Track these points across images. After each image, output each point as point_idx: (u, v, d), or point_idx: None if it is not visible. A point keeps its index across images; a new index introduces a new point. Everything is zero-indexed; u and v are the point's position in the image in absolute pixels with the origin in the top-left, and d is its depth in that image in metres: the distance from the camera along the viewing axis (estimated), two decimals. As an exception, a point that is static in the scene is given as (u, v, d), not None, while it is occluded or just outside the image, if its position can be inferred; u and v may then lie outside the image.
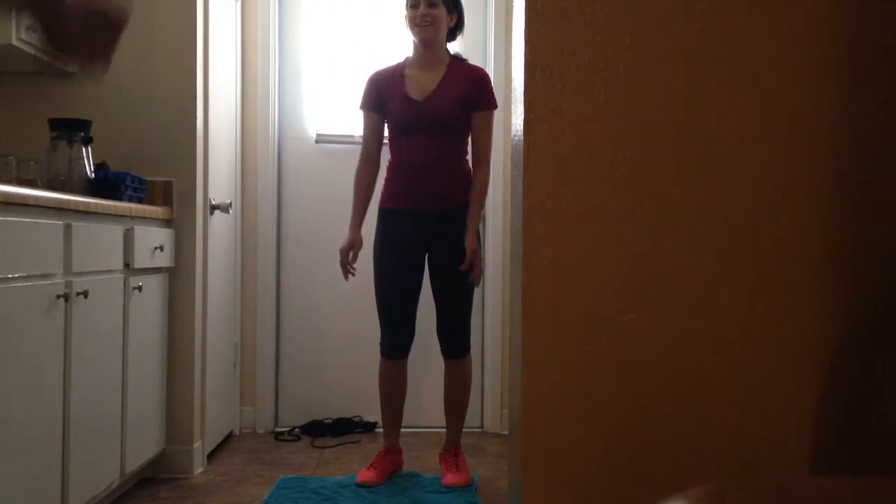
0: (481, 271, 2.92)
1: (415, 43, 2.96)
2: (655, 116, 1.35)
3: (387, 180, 2.99)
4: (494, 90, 3.66)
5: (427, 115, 2.88)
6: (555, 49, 1.34)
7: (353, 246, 2.96)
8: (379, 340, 3.04)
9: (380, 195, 3.02)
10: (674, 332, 1.35)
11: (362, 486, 2.84)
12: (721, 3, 1.35)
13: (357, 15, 3.85)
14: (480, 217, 2.94)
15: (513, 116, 1.47)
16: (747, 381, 1.35)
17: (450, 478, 2.87)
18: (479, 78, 2.95)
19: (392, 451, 3.03)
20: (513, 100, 1.47)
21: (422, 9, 2.88)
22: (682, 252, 1.35)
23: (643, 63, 1.34)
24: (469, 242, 2.87)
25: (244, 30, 3.70)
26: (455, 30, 3.03)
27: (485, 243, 3.81)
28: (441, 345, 3.02)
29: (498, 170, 3.77)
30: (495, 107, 2.98)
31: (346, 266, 2.96)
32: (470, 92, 2.91)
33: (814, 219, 1.35)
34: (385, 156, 3.04)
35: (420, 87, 2.92)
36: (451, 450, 3.02)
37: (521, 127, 1.36)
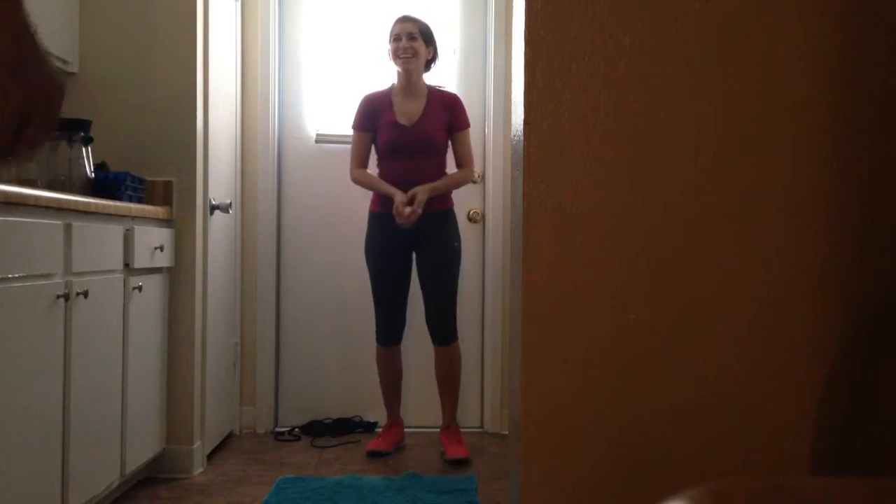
0: (404, 217, 3.15)
1: (398, 72, 3.32)
2: (656, 116, 1.35)
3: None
4: (494, 91, 3.95)
5: (416, 138, 3.26)
6: (555, 49, 1.34)
7: (404, 199, 3.18)
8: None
9: (370, 201, 3.36)
10: (674, 332, 1.35)
11: (372, 453, 3.27)
12: (721, 2, 1.35)
13: (357, 15, 3.85)
14: (440, 190, 3.25)
15: (513, 116, 1.47)
16: (747, 382, 1.35)
17: (454, 450, 3.22)
18: (454, 105, 3.35)
19: (395, 424, 3.44)
20: (513, 100, 1.47)
21: (404, 42, 3.27)
22: (682, 252, 1.35)
23: (643, 63, 1.34)
24: (422, 193, 3.16)
25: (244, 30, 3.70)
26: (430, 62, 3.40)
27: (485, 243, 3.83)
28: (430, 332, 3.33)
29: (498, 170, 3.78)
30: (469, 126, 3.39)
31: (402, 214, 3.17)
32: (449, 118, 3.32)
33: (814, 219, 1.35)
34: (373, 171, 3.39)
35: (406, 113, 3.30)
36: (451, 427, 3.35)
37: (521, 127, 1.36)
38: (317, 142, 3.83)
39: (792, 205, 1.35)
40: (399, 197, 3.18)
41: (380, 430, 3.56)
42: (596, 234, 1.34)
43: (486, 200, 3.83)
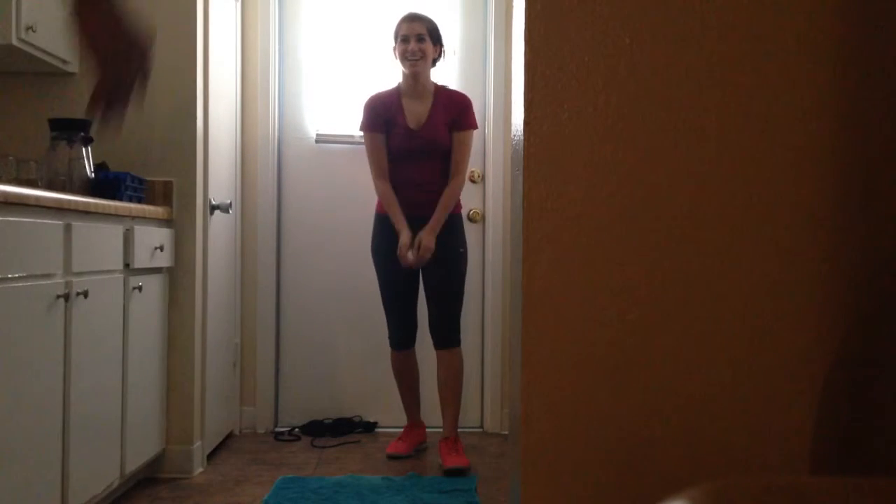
0: (420, 260, 3.16)
1: (405, 73, 3.25)
2: (656, 116, 1.35)
3: None
4: (494, 91, 3.91)
5: (423, 142, 3.20)
6: (555, 49, 1.34)
7: (409, 241, 3.17)
8: (383, 336, 3.36)
9: (376, 203, 3.31)
10: (674, 332, 1.35)
11: (392, 456, 3.22)
12: (722, 3, 1.35)
13: (357, 15, 3.85)
14: (442, 220, 3.21)
15: (513, 116, 1.47)
16: (747, 381, 1.35)
17: (451, 460, 3.08)
18: (462, 104, 3.28)
19: (416, 426, 3.38)
20: (513, 100, 1.47)
21: (412, 44, 3.19)
22: (682, 252, 1.35)
23: (643, 63, 1.34)
24: (427, 240, 3.15)
25: (244, 30, 3.70)
26: (437, 59, 3.32)
27: (485, 243, 3.83)
28: (433, 337, 3.28)
29: (498, 170, 3.78)
30: (475, 128, 3.30)
31: (406, 258, 3.17)
32: (454, 117, 3.24)
33: (815, 219, 1.35)
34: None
35: (415, 117, 3.24)
36: (451, 437, 3.22)
37: (521, 127, 1.36)
38: (317, 142, 3.83)
39: (793, 205, 1.35)
40: (404, 239, 3.15)
41: (400, 430, 3.49)
42: (596, 235, 1.34)
43: (486, 200, 3.83)
